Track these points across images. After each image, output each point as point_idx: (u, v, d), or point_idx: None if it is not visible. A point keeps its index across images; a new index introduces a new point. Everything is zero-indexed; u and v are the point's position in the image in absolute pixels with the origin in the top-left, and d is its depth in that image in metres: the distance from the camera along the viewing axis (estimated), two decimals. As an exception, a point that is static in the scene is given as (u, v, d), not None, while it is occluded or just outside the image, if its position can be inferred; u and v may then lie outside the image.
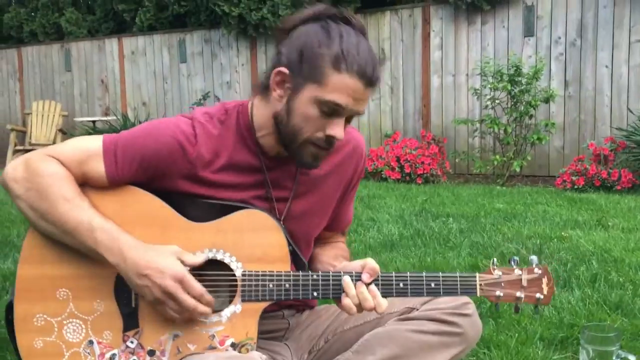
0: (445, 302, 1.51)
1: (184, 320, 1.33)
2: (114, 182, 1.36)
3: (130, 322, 1.33)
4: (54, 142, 9.34)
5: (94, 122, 9.22)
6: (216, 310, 1.36)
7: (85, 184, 1.36)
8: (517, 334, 2.09)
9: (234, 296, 1.37)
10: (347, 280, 1.37)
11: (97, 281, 1.33)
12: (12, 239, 3.55)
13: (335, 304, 1.43)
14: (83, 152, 1.36)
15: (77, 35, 10.16)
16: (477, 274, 1.42)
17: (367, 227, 3.94)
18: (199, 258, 1.34)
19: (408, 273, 1.40)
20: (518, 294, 1.41)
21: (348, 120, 1.39)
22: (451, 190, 5.78)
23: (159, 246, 1.32)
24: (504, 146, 6.57)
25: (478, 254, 3.21)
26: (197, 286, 1.30)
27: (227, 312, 1.35)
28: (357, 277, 1.38)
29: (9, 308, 1.35)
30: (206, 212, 1.39)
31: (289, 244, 1.40)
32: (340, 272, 1.39)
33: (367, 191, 5.59)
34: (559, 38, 6.79)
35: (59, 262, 1.34)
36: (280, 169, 1.47)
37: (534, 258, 1.44)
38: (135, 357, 1.33)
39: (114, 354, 1.33)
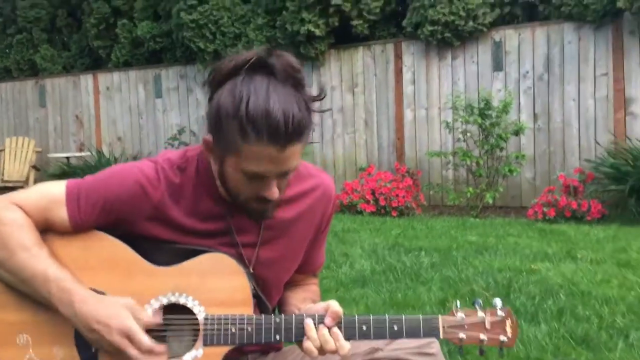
0: (410, 342, 1.51)
1: None
2: (77, 227, 1.37)
3: None
4: (27, 179, 9.24)
5: (68, 158, 9.16)
6: (178, 355, 1.35)
7: (48, 229, 1.36)
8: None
9: (196, 340, 1.37)
10: (308, 323, 1.38)
11: (57, 327, 1.32)
12: None
13: (298, 346, 1.44)
14: (46, 198, 1.36)
15: (52, 72, 10.16)
16: (440, 316, 1.43)
17: (340, 263, 3.95)
18: (154, 319, 1.33)
19: (371, 316, 1.41)
20: (482, 336, 1.41)
21: (283, 176, 1.36)
22: (425, 223, 5.83)
23: (112, 298, 1.32)
24: (477, 178, 6.67)
25: (449, 288, 3.23)
26: (145, 341, 1.29)
27: (188, 357, 1.34)
28: (320, 320, 1.38)
29: None
30: (170, 256, 1.39)
31: (253, 288, 1.41)
32: (303, 315, 1.40)
33: (341, 225, 5.61)
34: (527, 72, 6.97)
35: (19, 308, 1.33)
36: (244, 215, 1.49)
37: (498, 300, 1.45)
38: None
39: None
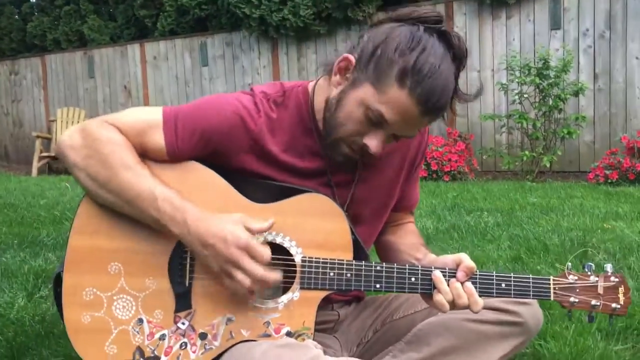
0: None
1: (252, 293, 1.25)
2: (173, 154, 1.29)
3: (183, 302, 1.26)
4: (78, 148, 9.38)
5: (117, 127, 9.25)
6: (272, 296, 1.29)
7: (143, 156, 1.29)
8: (572, 325, 1.99)
9: (291, 283, 1.29)
10: (437, 275, 1.29)
11: (151, 257, 1.27)
12: (42, 238, 3.52)
13: (423, 299, 1.35)
14: (143, 122, 1.30)
15: (99, 42, 10.24)
16: (551, 277, 1.33)
17: (400, 223, 3.85)
18: (265, 224, 1.26)
19: (477, 272, 1.31)
20: (594, 302, 1.32)
21: (395, 138, 1.30)
22: (481, 186, 5.67)
23: (223, 215, 1.24)
24: (533, 141, 6.43)
25: (520, 246, 3.10)
26: (263, 251, 1.21)
27: (284, 298, 1.28)
28: (450, 274, 1.29)
29: (57, 280, 1.29)
30: (266, 193, 1.31)
31: (352, 233, 1.32)
32: (418, 267, 1.31)
33: (395, 189, 5.48)
34: (587, 30, 6.64)
35: (112, 235, 1.27)
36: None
37: (609, 266, 1.35)
38: (185, 340, 1.26)
39: (163, 335, 1.26)
